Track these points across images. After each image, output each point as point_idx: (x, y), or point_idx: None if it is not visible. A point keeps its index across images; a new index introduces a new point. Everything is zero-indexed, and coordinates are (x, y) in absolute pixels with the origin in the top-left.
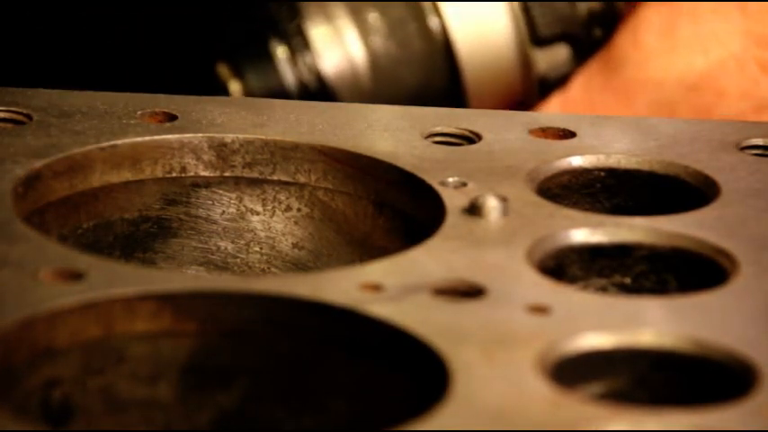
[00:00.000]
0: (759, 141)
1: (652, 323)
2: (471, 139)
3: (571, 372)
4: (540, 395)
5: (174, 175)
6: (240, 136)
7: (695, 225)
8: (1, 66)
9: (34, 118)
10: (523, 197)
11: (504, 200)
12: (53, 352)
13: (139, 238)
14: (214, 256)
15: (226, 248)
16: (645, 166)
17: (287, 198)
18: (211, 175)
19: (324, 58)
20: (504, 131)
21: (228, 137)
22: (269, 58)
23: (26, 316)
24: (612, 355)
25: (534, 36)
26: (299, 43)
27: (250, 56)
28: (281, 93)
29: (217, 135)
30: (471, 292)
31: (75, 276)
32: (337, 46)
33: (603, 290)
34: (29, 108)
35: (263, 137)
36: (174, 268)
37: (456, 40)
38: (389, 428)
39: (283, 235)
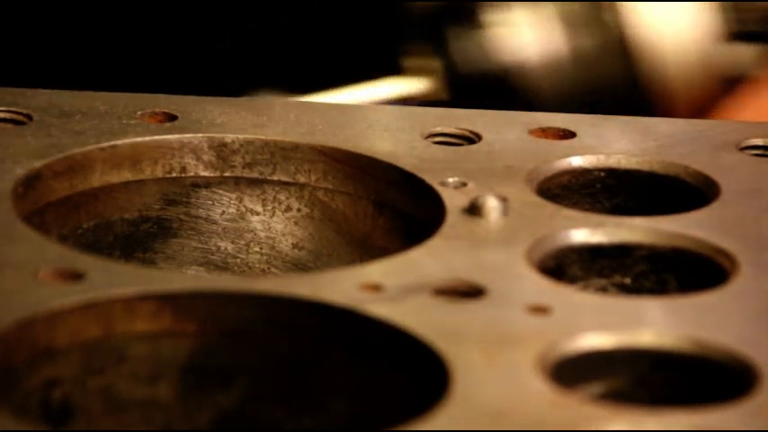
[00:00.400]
0: (759, 141)
1: (652, 323)
2: (471, 139)
3: (571, 372)
4: (540, 395)
5: (174, 175)
6: (240, 136)
7: (695, 225)
8: (1, 66)
9: (34, 118)
10: (523, 197)
11: (504, 200)
12: (53, 352)
13: (139, 238)
14: (214, 257)
15: (226, 249)
16: (645, 167)
17: (287, 198)
18: (211, 175)
19: (522, 42)
20: (504, 131)
21: (228, 137)
22: (469, 38)
23: (26, 316)
24: (612, 355)
25: (730, 32)
26: (496, 25)
27: (447, 36)
28: (480, 73)
29: (217, 135)
30: (471, 292)
31: (75, 276)
32: (535, 32)
33: (603, 290)
34: (29, 108)
35: (263, 137)
36: (174, 268)
37: (649, 34)
38: (389, 428)
39: (283, 235)
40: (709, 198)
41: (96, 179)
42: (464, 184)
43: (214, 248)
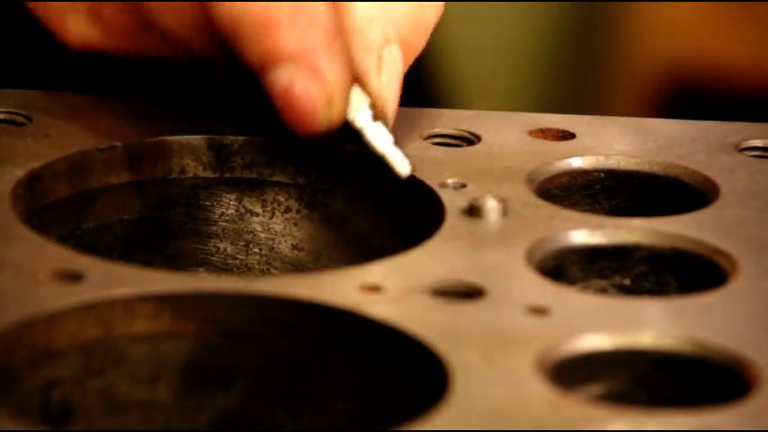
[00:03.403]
0: (758, 143)
1: (651, 324)
2: (470, 140)
3: (571, 373)
4: (540, 396)
5: (173, 176)
6: (240, 137)
7: (695, 226)
8: (1, 66)
9: (34, 119)
10: (523, 198)
11: (503, 201)
12: (53, 353)
13: (139, 239)
14: (213, 258)
15: (225, 249)
16: (644, 168)
17: (286, 199)
18: (211, 176)
19: None
20: (504, 132)
21: (228, 138)
22: None
23: (26, 316)
24: (612, 356)
25: None
26: None
27: None
28: None
29: (216, 136)
30: (471, 293)
31: (75, 277)
32: None
33: (603, 291)
34: (29, 109)
35: (263, 137)
36: (174, 269)
37: None
38: (389, 429)
39: (283, 236)
40: (709, 199)
41: (96, 180)
42: (463, 186)
43: (213, 249)
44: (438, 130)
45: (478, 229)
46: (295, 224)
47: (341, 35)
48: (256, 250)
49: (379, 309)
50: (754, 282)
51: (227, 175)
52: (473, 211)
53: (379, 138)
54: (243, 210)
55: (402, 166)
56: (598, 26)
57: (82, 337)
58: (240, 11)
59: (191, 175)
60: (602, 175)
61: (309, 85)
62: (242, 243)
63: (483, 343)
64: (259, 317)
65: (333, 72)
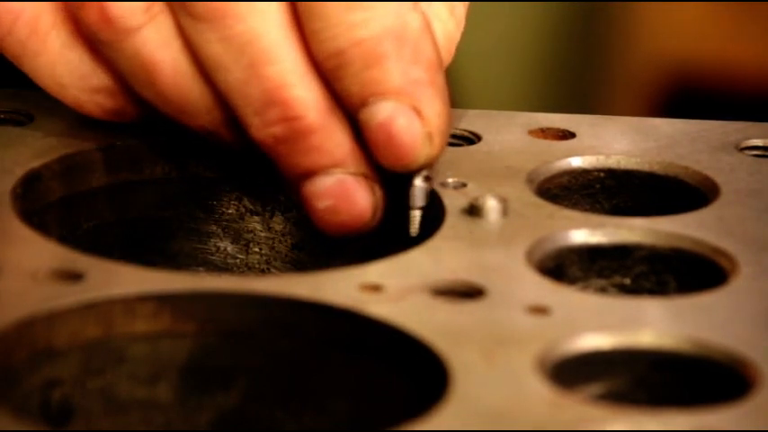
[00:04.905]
0: (759, 142)
1: (651, 324)
2: (471, 139)
3: (571, 372)
4: (540, 396)
5: (173, 175)
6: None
7: (695, 226)
8: (1, 66)
9: (35, 118)
10: (523, 198)
11: (503, 200)
12: (53, 352)
13: (139, 238)
14: (214, 257)
15: (225, 249)
16: (644, 167)
17: (286, 199)
18: (211, 175)
19: None
20: (504, 132)
21: None
22: None
23: (26, 316)
24: (612, 355)
25: None
26: None
27: None
28: None
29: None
30: (471, 292)
31: (75, 277)
32: None
33: (603, 291)
34: (29, 109)
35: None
36: (174, 268)
37: None
38: (389, 428)
39: (283, 235)
40: (709, 198)
41: (96, 179)
42: (464, 185)
43: (214, 249)
44: None
45: (478, 228)
46: (295, 224)
47: (442, 71)
48: (256, 250)
49: (379, 308)
50: (754, 282)
51: (227, 175)
52: (473, 210)
53: (420, 198)
54: (243, 209)
55: (414, 228)
56: (598, 26)
57: (82, 336)
58: (349, 44)
59: (191, 174)
60: (602, 174)
61: (411, 121)
62: (242, 242)
63: (483, 343)
64: (259, 316)
65: (434, 110)
